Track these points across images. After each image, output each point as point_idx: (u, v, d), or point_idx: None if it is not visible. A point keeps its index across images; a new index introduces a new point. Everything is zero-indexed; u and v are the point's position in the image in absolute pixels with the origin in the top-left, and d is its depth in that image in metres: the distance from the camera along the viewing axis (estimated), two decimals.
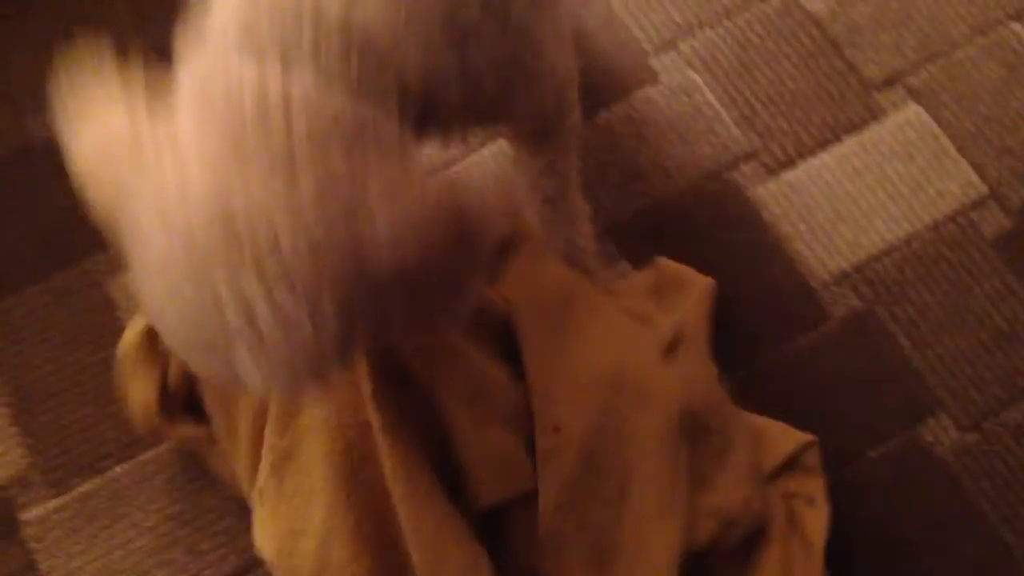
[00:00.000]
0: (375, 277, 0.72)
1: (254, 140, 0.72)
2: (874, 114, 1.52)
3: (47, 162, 1.52)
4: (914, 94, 1.53)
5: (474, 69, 0.90)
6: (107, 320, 1.45)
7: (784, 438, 1.30)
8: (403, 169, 0.75)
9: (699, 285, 1.40)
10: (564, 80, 1.14)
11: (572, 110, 1.20)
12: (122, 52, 0.86)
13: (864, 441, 1.36)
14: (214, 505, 1.35)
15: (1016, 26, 1.57)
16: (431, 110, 0.87)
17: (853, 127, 1.52)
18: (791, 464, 1.28)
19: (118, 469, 1.37)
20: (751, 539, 1.23)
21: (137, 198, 0.75)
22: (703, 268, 1.41)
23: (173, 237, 0.72)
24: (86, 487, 1.36)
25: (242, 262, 0.70)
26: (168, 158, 0.75)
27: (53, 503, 1.36)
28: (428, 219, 0.74)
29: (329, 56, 0.77)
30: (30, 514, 1.35)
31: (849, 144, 1.51)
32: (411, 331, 0.86)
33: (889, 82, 1.54)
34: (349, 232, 0.71)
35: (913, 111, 1.52)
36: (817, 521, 1.26)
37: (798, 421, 1.32)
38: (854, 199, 1.48)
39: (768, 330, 1.41)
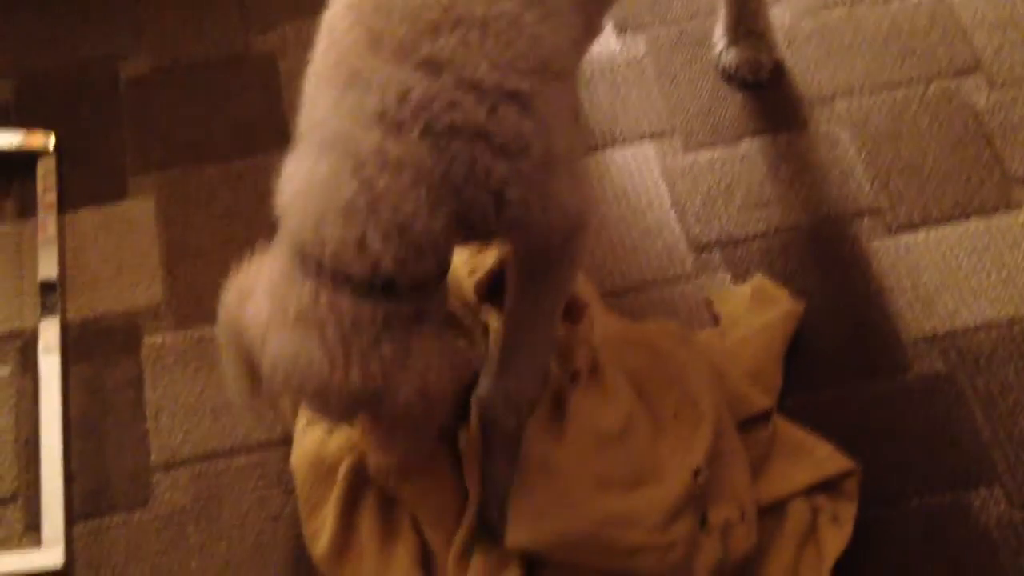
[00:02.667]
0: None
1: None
2: (1007, 204, 1.56)
3: (256, 73, 1.76)
4: None
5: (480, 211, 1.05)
6: (263, 208, 1.62)
7: (828, 461, 1.33)
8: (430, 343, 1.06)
9: (787, 307, 1.46)
10: (575, 225, 1.14)
11: (575, 256, 1.19)
12: None
13: (910, 489, 1.37)
14: None
15: None
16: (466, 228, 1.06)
17: (984, 211, 1.56)
18: (827, 485, 1.32)
19: None
20: (764, 531, 1.27)
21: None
22: (802, 295, 1.48)
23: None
24: (203, 331, 1.54)
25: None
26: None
27: (172, 336, 1.54)
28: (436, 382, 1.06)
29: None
30: (153, 339, 1.54)
31: (975, 225, 1.55)
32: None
33: None
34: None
35: None
36: (835, 539, 1.29)
37: (850, 452, 1.35)
38: (965, 274, 1.52)
39: (848, 365, 1.46)
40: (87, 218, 1.64)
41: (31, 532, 1.41)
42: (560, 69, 1.06)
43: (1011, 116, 1.64)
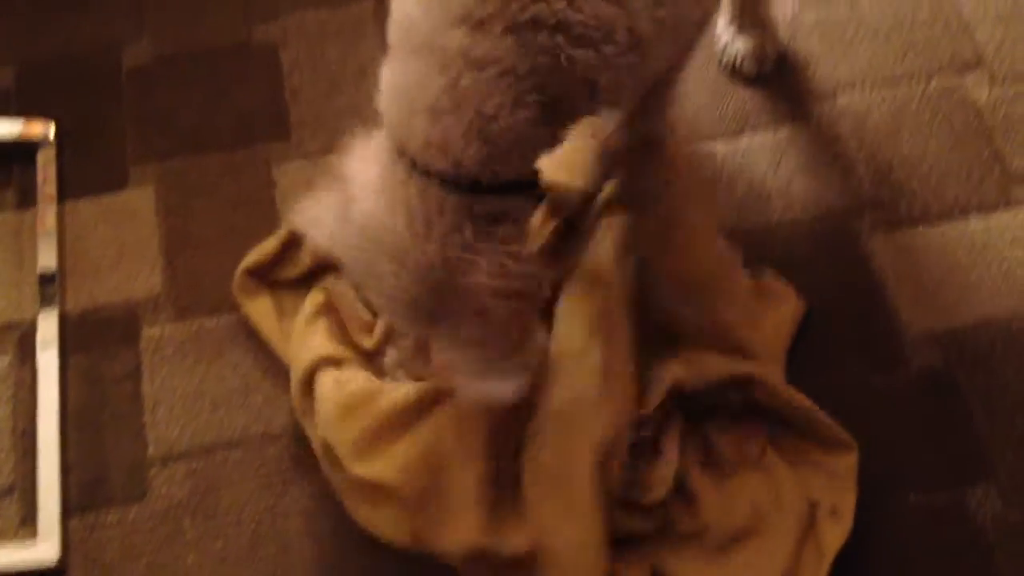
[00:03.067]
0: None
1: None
2: (1008, 202, 1.56)
3: (258, 61, 1.76)
4: None
5: None
6: (265, 196, 1.64)
7: (830, 424, 1.34)
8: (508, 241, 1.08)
9: (791, 303, 1.46)
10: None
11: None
12: None
13: (910, 484, 1.37)
14: None
15: None
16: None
17: (983, 208, 1.56)
18: (821, 462, 1.32)
19: (233, 316, 1.54)
20: (762, 522, 1.28)
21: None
22: (803, 290, 1.48)
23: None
24: (202, 323, 1.54)
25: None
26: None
27: (171, 327, 1.54)
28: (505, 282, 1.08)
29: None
30: (151, 330, 1.54)
31: (975, 222, 1.55)
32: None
33: None
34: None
35: None
36: (835, 534, 1.29)
37: None
38: (965, 271, 1.51)
39: (846, 359, 1.46)
40: (87, 208, 1.64)
41: (27, 525, 1.42)
42: None
43: (1012, 113, 1.63)
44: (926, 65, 1.67)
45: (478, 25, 1.01)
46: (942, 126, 1.62)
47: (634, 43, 1.06)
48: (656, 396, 1.32)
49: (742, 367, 1.35)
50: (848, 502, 1.31)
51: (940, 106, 1.64)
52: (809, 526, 1.30)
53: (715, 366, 1.35)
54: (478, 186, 1.06)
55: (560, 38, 1.02)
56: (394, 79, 1.10)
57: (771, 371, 1.39)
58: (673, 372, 1.33)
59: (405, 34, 1.09)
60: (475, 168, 1.05)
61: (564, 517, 1.25)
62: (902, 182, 1.59)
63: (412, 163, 1.07)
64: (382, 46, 1.74)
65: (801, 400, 1.36)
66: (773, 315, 1.45)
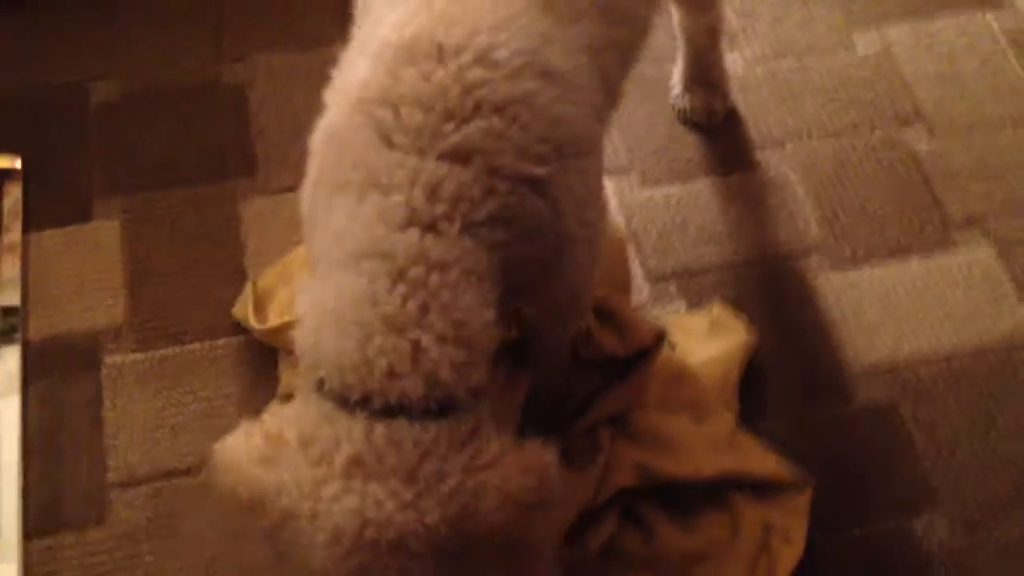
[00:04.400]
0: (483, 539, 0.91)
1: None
2: (946, 246, 1.64)
3: (226, 101, 1.80)
4: (989, 238, 1.64)
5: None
6: (229, 230, 1.67)
7: (775, 465, 1.39)
8: (498, 452, 0.93)
9: (743, 338, 1.52)
10: (574, 306, 1.19)
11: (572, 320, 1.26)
12: None
13: (856, 517, 1.42)
14: (263, 397, 1.50)
15: None
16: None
17: (924, 251, 1.63)
18: (778, 495, 1.36)
19: (195, 346, 1.55)
20: (717, 547, 1.31)
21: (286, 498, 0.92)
22: (752, 327, 1.53)
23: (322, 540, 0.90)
24: (165, 352, 1.55)
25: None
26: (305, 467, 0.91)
27: (132, 356, 1.55)
28: (528, 502, 0.92)
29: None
30: (113, 358, 1.54)
31: (916, 264, 1.62)
32: None
33: (969, 223, 1.66)
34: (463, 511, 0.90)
35: (984, 253, 1.63)
36: (787, 558, 1.33)
37: None
38: (907, 311, 1.58)
39: (796, 395, 1.51)
40: (52, 239, 1.65)
41: None
42: (582, 146, 1.04)
43: (950, 164, 1.72)
44: (869, 118, 1.76)
45: (430, 224, 0.93)
46: (884, 174, 1.71)
47: (559, 242, 1.03)
48: (612, 488, 1.34)
49: (700, 472, 1.36)
50: (800, 529, 1.35)
51: (882, 156, 1.73)
52: (763, 548, 1.33)
53: (674, 465, 1.36)
54: (451, 403, 0.92)
55: (514, 233, 0.96)
56: (327, 300, 0.94)
57: (727, 421, 1.43)
58: (632, 459, 1.36)
59: (334, 244, 0.95)
60: (452, 379, 0.92)
61: None
62: (847, 226, 1.66)
63: (364, 400, 0.90)
64: None
65: (753, 446, 1.41)
66: (727, 346, 1.50)
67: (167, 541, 1.40)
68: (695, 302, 1.58)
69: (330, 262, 0.96)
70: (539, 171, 0.98)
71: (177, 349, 1.55)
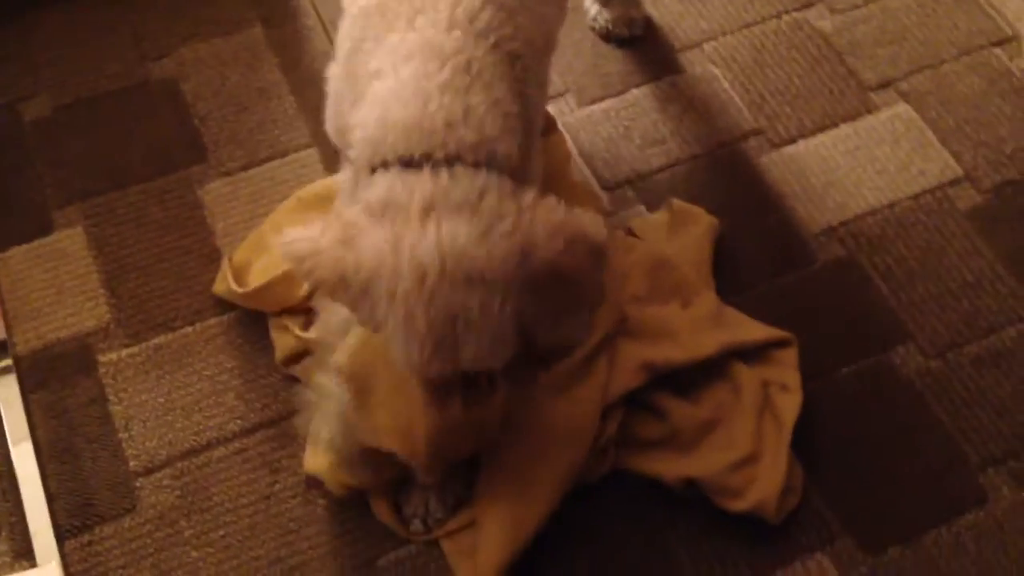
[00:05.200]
0: (534, 277, 1.02)
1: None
2: (868, 109, 1.76)
3: (160, 96, 1.82)
4: (904, 96, 1.77)
5: None
6: (193, 216, 1.69)
7: (763, 330, 1.48)
8: (552, 205, 1.06)
9: (706, 222, 1.61)
10: None
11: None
12: None
13: (839, 360, 1.53)
14: (263, 364, 1.55)
15: (997, 51, 1.81)
16: None
17: (849, 117, 1.75)
18: (768, 354, 1.46)
19: (187, 329, 1.58)
20: (725, 410, 1.41)
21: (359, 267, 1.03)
22: (711, 214, 1.62)
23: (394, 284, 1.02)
24: (158, 340, 1.57)
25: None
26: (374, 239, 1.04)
27: (127, 351, 1.57)
28: (571, 238, 1.04)
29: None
30: (107, 356, 1.56)
31: (844, 130, 1.74)
32: (546, 350, 1.13)
33: (883, 85, 1.78)
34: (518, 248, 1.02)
35: (903, 108, 1.75)
36: (789, 404, 1.43)
37: None
38: (845, 172, 1.70)
39: (763, 266, 1.61)
40: (18, 256, 1.66)
41: (21, 560, 1.42)
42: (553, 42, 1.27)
43: (854, 35, 1.84)
44: (774, 7, 1.87)
45: (470, 33, 1.11)
46: (799, 55, 1.82)
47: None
48: (621, 386, 1.42)
49: (702, 351, 1.44)
50: (795, 379, 1.45)
51: (793, 38, 1.84)
52: (765, 403, 1.43)
53: (677, 352, 1.44)
54: (497, 160, 1.06)
55: (520, 64, 1.16)
56: (386, 92, 1.09)
57: (708, 297, 1.52)
58: (637, 359, 1.43)
59: (384, 61, 1.11)
60: (495, 133, 1.07)
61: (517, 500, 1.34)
62: (775, 107, 1.77)
63: (427, 158, 1.04)
64: (281, 66, 1.85)
65: (738, 318, 1.50)
66: (694, 232, 1.59)
67: (203, 515, 1.44)
68: (653, 202, 1.67)
69: (381, 72, 1.10)
70: (539, 41, 1.20)
71: (170, 336, 1.58)
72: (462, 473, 1.40)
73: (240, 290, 1.54)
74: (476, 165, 1.04)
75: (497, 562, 1.33)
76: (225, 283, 1.57)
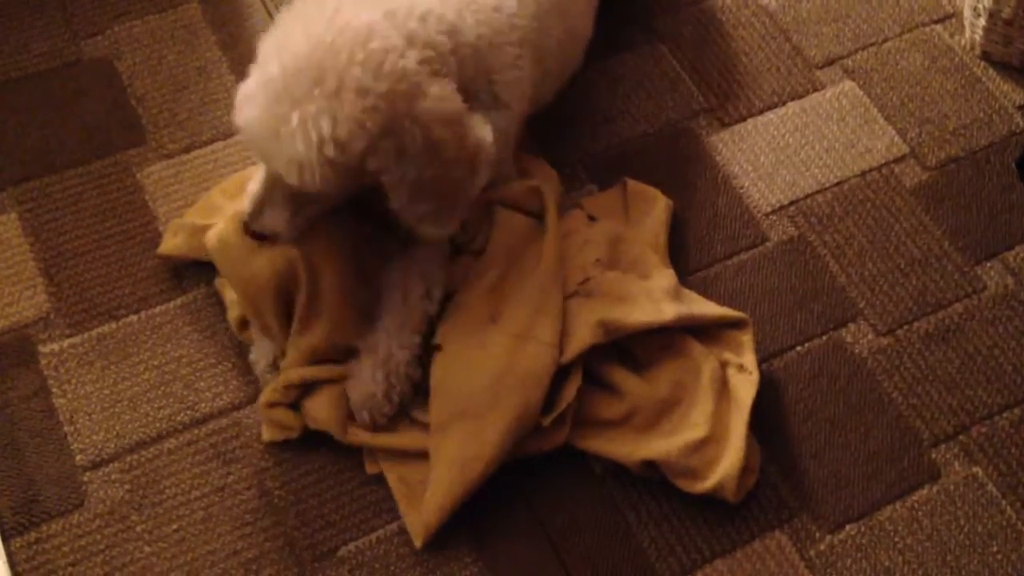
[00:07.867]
0: (414, 142, 1.26)
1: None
2: (814, 86, 1.77)
3: (93, 75, 1.75)
4: (849, 73, 1.78)
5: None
6: (133, 201, 1.64)
7: (719, 309, 1.49)
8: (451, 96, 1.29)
9: (661, 202, 1.61)
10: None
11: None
12: None
13: (792, 339, 1.54)
14: (213, 352, 1.51)
15: (938, 28, 1.84)
16: None
17: (796, 95, 1.76)
18: (725, 335, 1.47)
19: (132, 318, 1.54)
20: (684, 390, 1.41)
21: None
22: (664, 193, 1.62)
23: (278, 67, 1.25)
24: (101, 330, 1.52)
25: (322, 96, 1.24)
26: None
27: (69, 341, 1.52)
28: (456, 133, 1.28)
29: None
30: (49, 347, 1.51)
31: (792, 108, 1.75)
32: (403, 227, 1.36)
33: (828, 63, 1.79)
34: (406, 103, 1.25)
35: (848, 86, 1.77)
36: (746, 384, 1.44)
37: None
38: (794, 150, 1.71)
39: (716, 246, 1.62)
40: None
41: None
42: None
43: (799, 13, 1.85)
44: None
45: None
46: (745, 33, 1.82)
47: None
48: (580, 341, 1.41)
49: (661, 316, 1.44)
50: (751, 358, 1.46)
51: (739, 16, 1.84)
52: (723, 383, 1.43)
53: (636, 313, 1.44)
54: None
55: None
56: None
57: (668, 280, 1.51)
58: (596, 315, 1.43)
59: None
60: None
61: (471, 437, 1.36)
62: (724, 85, 1.77)
63: None
64: (220, 44, 1.79)
65: (695, 296, 1.51)
66: (651, 215, 1.59)
67: (154, 509, 1.40)
68: (605, 180, 1.66)
69: None
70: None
71: (113, 325, 1.53)
72: (404, 373, 1.42)
73: (200, 221, 1.52)
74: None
75: (442, 503, 1.34)
76: (173, 240, 1.54)
